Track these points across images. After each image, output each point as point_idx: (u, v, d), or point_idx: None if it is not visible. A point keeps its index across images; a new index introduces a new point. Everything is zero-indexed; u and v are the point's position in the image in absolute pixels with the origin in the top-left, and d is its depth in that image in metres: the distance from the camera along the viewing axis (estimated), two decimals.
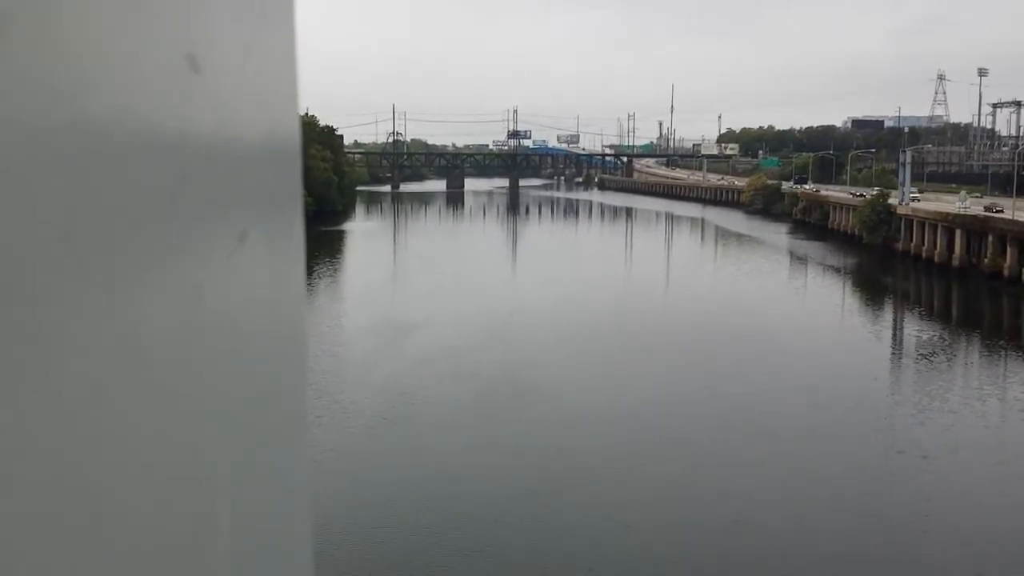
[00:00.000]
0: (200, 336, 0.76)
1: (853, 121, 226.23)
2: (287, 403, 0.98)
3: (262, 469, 0.90)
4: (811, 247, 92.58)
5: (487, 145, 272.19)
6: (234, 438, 0.83)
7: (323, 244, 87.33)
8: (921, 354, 44.60)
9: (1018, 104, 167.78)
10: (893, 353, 46.04)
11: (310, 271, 68.07)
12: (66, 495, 0.57)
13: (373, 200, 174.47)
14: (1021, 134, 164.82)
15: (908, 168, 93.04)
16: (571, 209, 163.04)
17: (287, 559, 0.97)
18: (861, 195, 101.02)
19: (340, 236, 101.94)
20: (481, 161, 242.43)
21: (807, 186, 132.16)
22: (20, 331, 0.53)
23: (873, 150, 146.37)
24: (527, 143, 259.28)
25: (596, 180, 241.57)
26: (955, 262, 72.93)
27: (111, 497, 0.61)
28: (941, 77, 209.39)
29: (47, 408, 0.55)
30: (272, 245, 0.92)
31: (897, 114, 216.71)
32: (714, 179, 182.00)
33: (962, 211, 76.77)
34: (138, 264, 0.65)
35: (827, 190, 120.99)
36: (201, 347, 0.76)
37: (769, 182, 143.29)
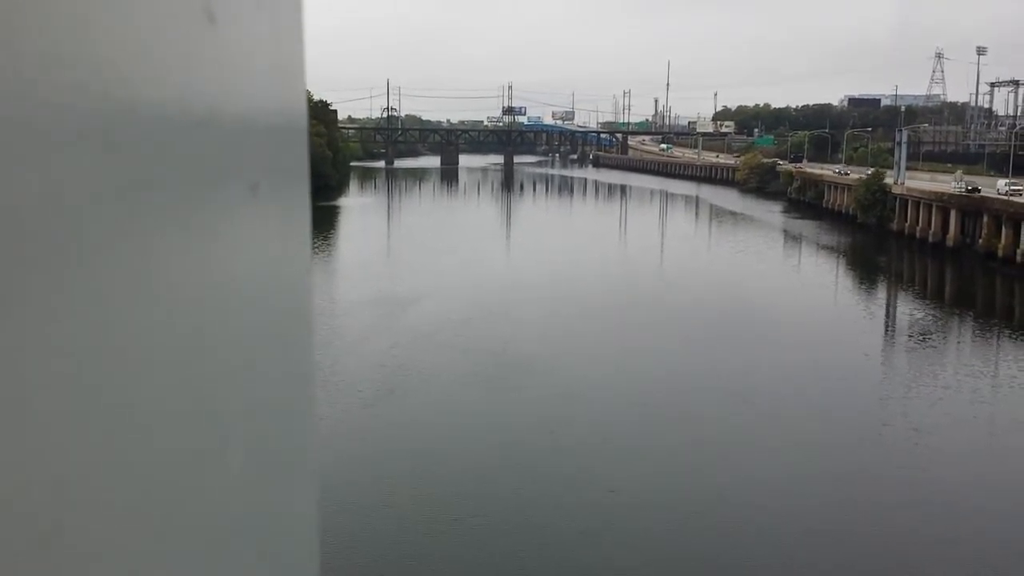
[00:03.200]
0: (207, 290, 0.75)
1: (850, 99, 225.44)
2: (294, 366, 0.96)
3: (269, 431, 0.89)
4: (806, 226, 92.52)
5: (482, 121, 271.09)
6: (244, 396, 0.82)
7: (317, 220, 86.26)
8: (914, 332, 44.66)
9: (1016, 83, 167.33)
10: (886, 331, 46.10)
11: None
12: (71, 454, 0.56)
13: (367, 176, 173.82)
14: (1018, 113, 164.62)
15: (904, 147, 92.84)
16: (566, 186, 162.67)
17: (292, 521, 0.97)
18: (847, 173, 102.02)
19: (334, 212, 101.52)
20: (476, 137, 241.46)
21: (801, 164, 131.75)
22: (41, 279, 0.53)
23: (869, 129, 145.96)
24: (522, 119, 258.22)
25: (591, 157, 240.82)
26: (950, 242, 72.93)
27: (114, 454, 0.61)
28: (939, 55, 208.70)
29: (56, 363, 0.55)
30: (280, 199, 0.91)
31: (894, 92, 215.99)
32: (709, 157, 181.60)
33: (957, 191, 76.89)
34: (142, 216, 0.64)
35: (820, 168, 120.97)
36: (207, 304, 0.75)
37: (764, 160, 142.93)
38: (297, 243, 0.96)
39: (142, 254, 0.64)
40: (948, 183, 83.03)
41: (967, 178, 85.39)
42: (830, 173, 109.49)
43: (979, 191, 76.19)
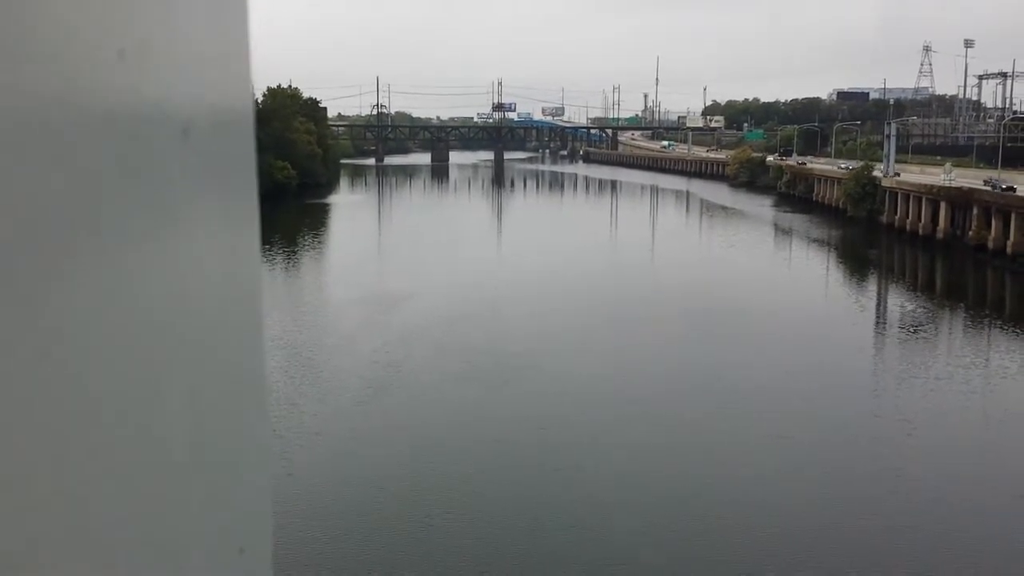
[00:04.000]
0: (152, 300, 0.73)
1: (838, 93, 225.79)
2: (244, 352, 0.95)
3: (220, 421, 0.88)
4: (796, 220, 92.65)
5: (472, 118, 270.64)
6: (187, 381, 0.80)
7: (308, 217, 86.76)
8: (906, 324, 44.74)
9: (1003, 76, 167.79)
10: (878, 323, 46.17)
11: (295, 245, 67.65)
12: (30, 454, 0.55)
13: (357, 173, 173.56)
14: (1006, 106, 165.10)
15: (893, 140, 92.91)
16: (556, 182, 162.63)
17: (245, 516, 0.94)
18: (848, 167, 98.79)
19: (325, 209, 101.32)
20: (466, 134, 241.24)
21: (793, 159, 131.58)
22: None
23: (858, 122, 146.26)
24: (512, 116, 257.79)
25: (581, 153, 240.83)
26: (939, 235, 73.03)
27: (56, 449, 0.59)
28: (927, 48, 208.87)
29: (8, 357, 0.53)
30: (225, 185, 0.88)
31: (883, 86, 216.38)
32: (699, 152, 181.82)
33: (947, 183, 76.81)
34: (82, 221, 0.62)
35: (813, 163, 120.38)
36: (154, 310, 0.74)
37: (754, 155, 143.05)
38: (245, 227, 0.93)
39: (83, 239, 0.62)
40: (938, 175, 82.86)
41: (1000, 174, 77.31)
42: (835, 169, 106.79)
43: (1014, 189, 68.78)
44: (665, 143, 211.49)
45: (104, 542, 0.65)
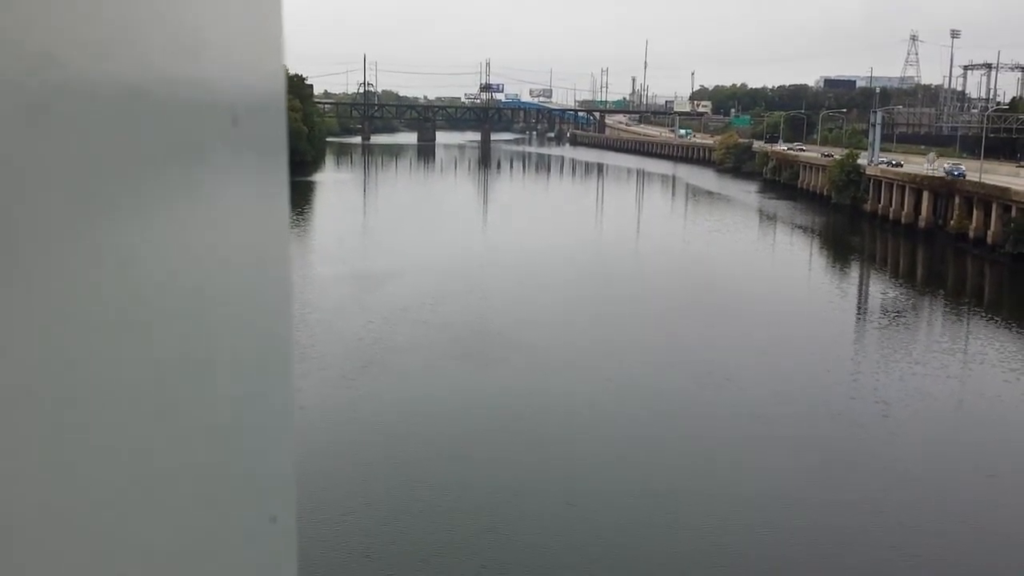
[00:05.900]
0: (198, 271, 0.76)
1: (825, 81, 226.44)
2: (272, 345, 0.96)
3: (244, 400, 0.89)
4: (780, 206, 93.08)
5: (459, 98, 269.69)
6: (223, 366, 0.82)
7: (294, 195, 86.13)
8: (887, 311, 45.25)
9: (988, 67, 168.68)
10: (859, 310, 46.66)
11: None
12: (52, 435, 0.55)
13: (343, 151, 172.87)
14: (990, 97, 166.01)
15: (879, 129, 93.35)
16: (543, 164, 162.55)
17: (275, 482, 0.96)
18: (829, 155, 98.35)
19: (310, 187, 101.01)
20: (453, 114, 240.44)
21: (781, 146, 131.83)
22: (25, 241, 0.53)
23: (844, 110, 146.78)
24: (499, 97, 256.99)
25: (568, 135, 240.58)
26: (922, 223, 73.69)
27: (79, 431, 0.59)
28: (914, 38, 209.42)
29: (29, 323, 0.54)
30: (256, 158, 0.92)
31: (869, 74, 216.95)
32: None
33: (931, 173, 77.42)
34: (113, 202, 0.64)
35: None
36: (198, 281, 0.76)
37: (740, 140, 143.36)
38: (278, 204, 0.98)
39: (119, 217, 0.64)
40: (921, 165, 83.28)
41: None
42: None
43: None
44: (683, 131, 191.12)
45: (144, 513, 0.66)
